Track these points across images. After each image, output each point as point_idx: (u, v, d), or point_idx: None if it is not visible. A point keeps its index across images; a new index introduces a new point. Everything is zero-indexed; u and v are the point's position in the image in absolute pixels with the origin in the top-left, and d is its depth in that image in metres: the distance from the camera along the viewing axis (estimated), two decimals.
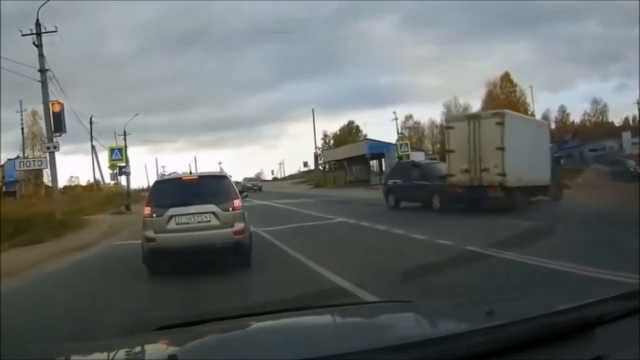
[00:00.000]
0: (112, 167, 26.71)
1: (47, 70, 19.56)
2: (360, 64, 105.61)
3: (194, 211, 8.08)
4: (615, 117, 68.29)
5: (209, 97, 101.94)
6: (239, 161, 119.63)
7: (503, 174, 15.10)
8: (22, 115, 48.43)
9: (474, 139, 15.67)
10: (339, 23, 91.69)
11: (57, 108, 19.50)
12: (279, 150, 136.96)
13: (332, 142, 76.87)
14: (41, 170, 29.67)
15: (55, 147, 19.40)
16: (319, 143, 68.42)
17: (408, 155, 32.85)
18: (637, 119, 58.32)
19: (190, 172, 10.15)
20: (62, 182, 50.86)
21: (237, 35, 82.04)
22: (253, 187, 51.01)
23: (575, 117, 67.04)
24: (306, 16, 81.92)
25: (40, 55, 19.41)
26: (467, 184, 15.72)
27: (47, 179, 37.42)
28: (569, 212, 14.44)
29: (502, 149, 15.12)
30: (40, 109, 25.54)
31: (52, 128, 19.28)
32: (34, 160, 23.48)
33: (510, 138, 15.21)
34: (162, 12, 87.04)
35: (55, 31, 19.53)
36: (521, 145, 15.49)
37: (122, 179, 33.48)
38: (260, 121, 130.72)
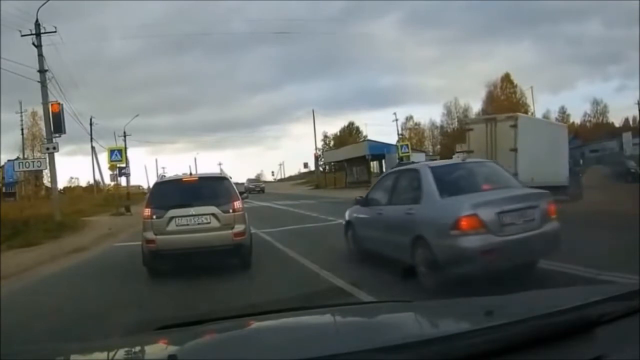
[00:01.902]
0: (111, 168, 26.68)
1: (46, 70, 19.59)
2: (361, 64, 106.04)
3: (194, 213, 8.07)
4: (616, 118, 68.52)
5: (210, 98, 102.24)
6: (239, 162, 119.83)
7: (515, 174, 15.63)
8: (21, 116, 48.71)
9: (491, 141, 16.36)
10: (340, 24, 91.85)
11: (56, 109, 19.51)
12: (279, 151, 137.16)
13: (332, 143, 76.93)
14: (41, 171, 29.79)
15: (54, 148, 19.42)
16: (319, 144, 68.58)
17: (408, 156, 32.90)
18: (638, 119, 58.41)
19: (190, 174, 10.14)
20: (62, 183, 51.17)
21: (238, 36, 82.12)
22: (256, 188, 51.09)
23: (576, 118, 67.17)
24: (307, 17, 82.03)
25: (40, 55, 19.43)
26: None
27: (47, 180, 37.59)
28: (579, 212, 14.37)
29: (514, 149, 15.76)
30: (40, 109, 25.60)
31: (52, 129, 19.29)
32: (33, 161, 23.49)
33: (524, 140, 15.82)
34: (163, 13, 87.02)
35: (55, 32, 19.62)
36: (535, 146, 16.07)
37: (122, 180, 33.54)
38: (262, 122, 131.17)
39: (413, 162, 24.61)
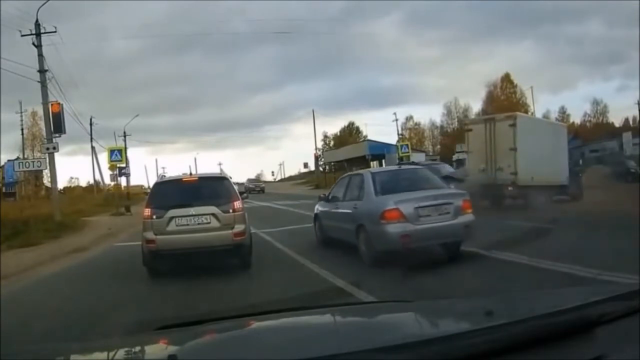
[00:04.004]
0: (111, 168, 26.67)
1: (46, 70, 19.59)
2: (361, 64, 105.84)
3: (194, 213, 8.06)
4: (616, 118, 68.46)
5: (211, 98, 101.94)
6: (239, 162, 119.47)
7: (515, 173, 15.80)
8: (21, 116, 48.65)
9: (490, 141, 16.44)
10: (341, 24, 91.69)
11: (56, 109, 19.51)
12: (280, 151, 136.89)
13: (332, 143, 76.91)
14: (41, 171, 29.77)
15: (54, 148, 19.42)
16: (319, 144, 68.53)
17: (408, 156, 32.92)
18: (638, 119, 58.42)
19: (190, 174, 10.14)
20: (62, 183, 51.09)
21: (238, 36, 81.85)
22: (256, 188, 50.98)
23: (576, 118, 67.07)
24: (307, 17, 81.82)
25: (40, 55, 19.43)
26: (483, 183, 16.18)
27: (47, 180, 37.55)
28: (579, 213, 14.34)
29: (514, 149, 15.86)
30: (40, 109, 25.61)
31: (52, 129, 19.30)
32: (33, 161, 23.47)
33: (523, 139, 15.91)
34: (164, 13, 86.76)
35: (55, 32, 19.62)
36: (535, 145, 16.10)
37: (123, 180, 33.56)
38: (262, 122, 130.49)
39: (413, 162, 24.81)
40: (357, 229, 8.48)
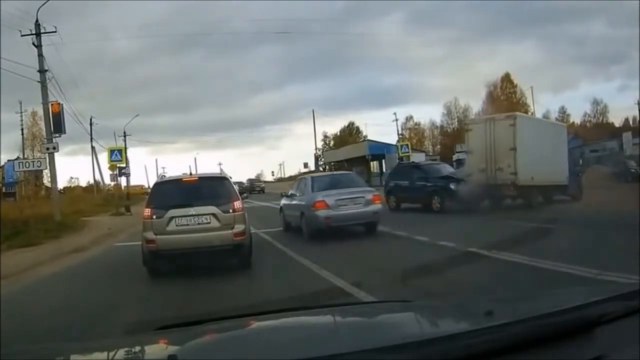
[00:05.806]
0: (111, 168, 26.67)
1: (46, 70, 19.59)
2: (362, 64, 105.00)
3: (194, 213, 8.07)
4: (616, 118, 68.31)
5: (211, 98, 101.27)
6: (239, 162, 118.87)
7: (515, 173, 15.81)
8: (21, 116, 48.63)
9: (490, 141, 16.47)
10: (342, 24, 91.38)
11: (56, 109, 19.53)
12: (280, 151, 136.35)
13: (332, 143, 76.79)
14: (41, 171, 29.75)
15: (54, 148, 19.43)
16: (319, 144, 68.43)
17: (408, 156, 32.91)
18: (638, 119, 58.37)
19: (190, 174, 10.15)
20: (62, 183, 51.01)
21: (239, 36, 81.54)
22: (256, 188, 50.94)
23: (576, 118, 66.88)
24: (308, 17, 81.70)
25: (40, 55, 19.43)
26: (483, 183, 16.19)
27: (47, 180, 37.52)
28: (578, 213, 14.34)
29: (514, 149, 15.87)
30: (40, 109, 25.60)
31: (52, 129, 19.31)
32: (33, 161, 23.46)
33: (523, 139, 15.94)
34: (164, 12, 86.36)
35: (55, 31, 19.63)
36: (535, 145, 16.09)
37: (123, 180, 33.53)
38: (262, 122, 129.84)
39: (413, 162, 24.86)
40: (300, 215, 12.15)
